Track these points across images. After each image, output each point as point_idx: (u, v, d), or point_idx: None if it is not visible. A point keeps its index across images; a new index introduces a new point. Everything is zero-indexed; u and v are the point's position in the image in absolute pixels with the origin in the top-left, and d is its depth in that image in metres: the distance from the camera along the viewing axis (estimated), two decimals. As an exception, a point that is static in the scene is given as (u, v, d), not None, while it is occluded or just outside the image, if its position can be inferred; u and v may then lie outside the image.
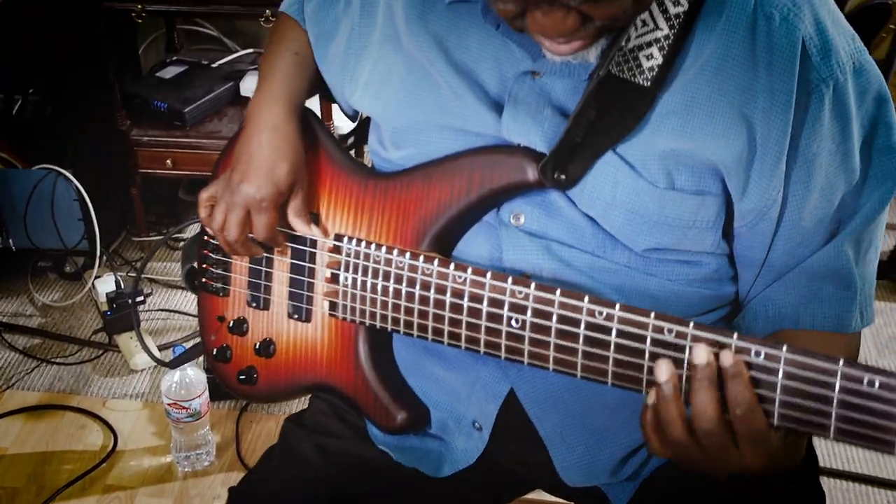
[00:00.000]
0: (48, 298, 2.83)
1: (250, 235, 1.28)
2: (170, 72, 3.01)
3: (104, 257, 2.77)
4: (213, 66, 3.07)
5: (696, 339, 0.98)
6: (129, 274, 2.91)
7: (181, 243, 3.07)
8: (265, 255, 1.34)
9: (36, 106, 2.77)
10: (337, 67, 1.32)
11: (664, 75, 1.08)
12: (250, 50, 3.19)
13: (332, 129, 2.75)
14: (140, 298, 2.61)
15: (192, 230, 3.09)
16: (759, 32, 1.07)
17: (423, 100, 1.21)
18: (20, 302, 2.84)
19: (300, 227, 1.29)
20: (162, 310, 2.79)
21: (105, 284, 2.61)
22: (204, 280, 1.40)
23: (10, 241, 2.75)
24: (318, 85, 1.39)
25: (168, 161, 2.85)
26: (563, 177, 1.12)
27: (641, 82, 1.08)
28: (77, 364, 2.61)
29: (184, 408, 2.18)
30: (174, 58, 3.13)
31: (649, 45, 1.08)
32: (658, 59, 1.08)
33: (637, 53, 1.08)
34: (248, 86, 2.94)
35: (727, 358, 0.94)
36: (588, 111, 1.10)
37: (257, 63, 3.07)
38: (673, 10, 1.07)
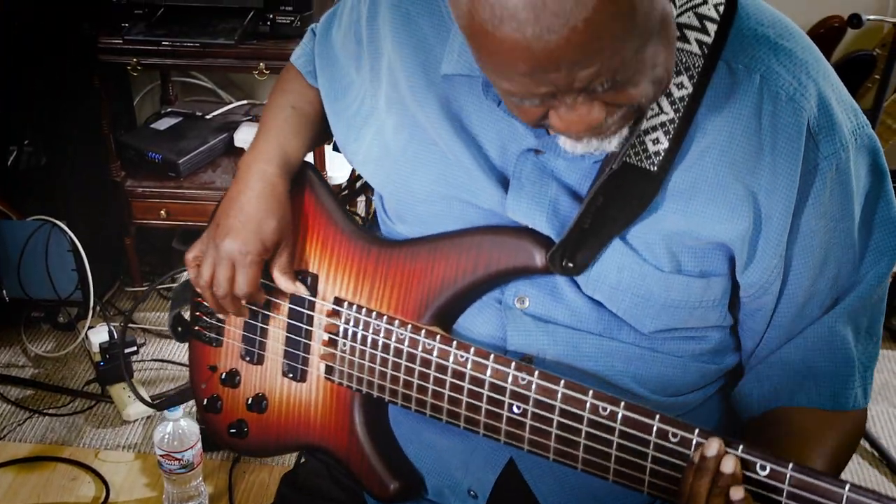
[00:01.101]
0: (41, 349, 2.83)
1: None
2: (164, 123, 3.02)
3: (97, 308, 2.76)
4: (208, 117, 3.09)
5: (697, 445, 0.98)
6: (123, 324, 2.90)
7: (160, 284, 3.06)
8: (262, 311, 1.33)
9: (31, 157, 2.78)
10: (344, 127, 1.31)
11: (670, 159, 1.07)
12: (245, 101, 3.22)
13: (326, 179, 2.76)
14: (133, 349, 2.60)
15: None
16: (765, 112, 1.06)
17: (427, 168, 1.19)
18: (13, 352, 2.82)
19: (284, 284, 1.28)
20: (155, 360, 2.78)
21: (98, 335, 2.60)
22: (197, 328, 1.39)
23: (4, 291, 2.75)
24: (320, 137, 1.39)
25: (162, 211, 2.86)
26: (570, 264, 1.11)
27: (648, 167, 1.08)
28: (69, 415, 2.59)
29: (176, 459, 2.17)
30: (169, 109, 3.15)
31: (654, 129, 1.07)
32: (664, 143, 1.07)
33: (643, 138, 1.07)
34: (242, 137, 2.96)
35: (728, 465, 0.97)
36: (596, 197, 1.08)
37: (251, 114, 3.10)
38: (677, 93, 1.07)
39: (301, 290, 1.28)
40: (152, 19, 2.61)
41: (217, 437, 1.42)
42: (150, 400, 2.52)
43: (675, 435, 1.00)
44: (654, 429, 1.01)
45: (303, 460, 1.48)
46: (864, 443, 2.48)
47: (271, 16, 2.59)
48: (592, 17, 0.84)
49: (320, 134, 1.40)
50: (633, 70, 0.92)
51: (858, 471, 2.40)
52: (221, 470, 2.39)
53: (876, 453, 2.44)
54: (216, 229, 1.29)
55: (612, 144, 1.03)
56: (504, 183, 1.16)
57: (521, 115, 0.99)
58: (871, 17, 2.25)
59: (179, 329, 1.43)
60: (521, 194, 1.14)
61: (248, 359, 1.36)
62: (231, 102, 3.23)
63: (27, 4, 2.62)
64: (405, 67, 1.20)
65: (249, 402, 1.35)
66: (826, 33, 2.87)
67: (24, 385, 2.69)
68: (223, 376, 1.37)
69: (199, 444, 2.21)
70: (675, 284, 1.12)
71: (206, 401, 1.40)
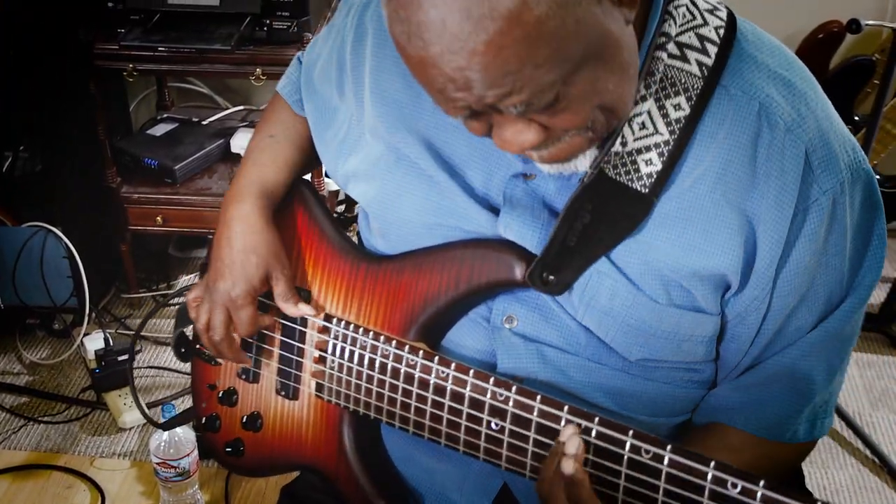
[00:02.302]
0: (36, 356, 2.81)
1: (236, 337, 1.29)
2: (160, 129, 3.02)
3: (93, 314, 2.75)
4: (204, 123, 3.08)
5: (672, 463, 0.97)
6: (119, 331, 2.89)
7: (171, 299, 3.05)
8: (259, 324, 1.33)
9: (26, 163, 2.77)
10: (332, 155, 1.30)
11: (663, 182, 1.05)
12: (241, 107, 3.21)
13: (322, 187, 2.76)
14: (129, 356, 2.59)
15: (179, 284, 3.08)
16: (763, 142, 1.04)
17: (413, 194, 1.18)
18: (8, 360, 2.81)
19: (290, 310, 1.28)
20: (151, 367, 2.77)
21: (94, 342, 2.60)
22: (198, 346, 1.39)
23: (-1, 298, 2.74)
24: (307, 162, 1.39)
25: (158, 218, 2.84)
26: (551, 278, 1.09)
27: (639, 188, 1.05)
28: (65, 422, 2.58)
29: (172, 467, 2.16)
30: (165, 115, 3.15)
31: (648, 149, 1.05)
32: (657, 164, 1.05)
33: (636, 157, 1.05)
34: (238, 143, 2.95)
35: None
36: (582, 214, 1.07)
37: (248, 120, 3.09)
38: (674, 114, 1.04)
39: (307, 311, 1.27)
40: (148, 25, 2.60)
41: (215, 455, 1.42)
42: (153, 418, 2.53)
43: (647, 451, 0.98)
44: (628, 444, 0.99)
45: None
46: (864, 449, 2.47)
47: (268, 21, 2.58)
48: (494, 41, 0.84)
49: (307, 159, 1.39)
50: (560, 95, 0.91)
51: (859, 477, 2.39)
52: (218, 478, 2.38)
53: (877, 460, 2.44)
54: (209, 273, 1.30)
55: (581, 165, 1.04)
56: (490, 207, 1.15)
57: (471, 131, 0.99)
58: (870, 22, 2.24)
59: (183, 350, 1.42)
60: (513, 213, 1.12)
61: (244, 377, 1.36)
62: (227, 108, 3.23)
63: (23, 10, 2.61)
64: (383, 105, 1.20)
65: (244, 420, 1.35)
66: (825, 38, 2.87)
67: (20, 392, 2.68)
68: (220, 395, 1.37)
69: (196, 452, 2.20)
70: (667, 316, 1.11)
71: (205, 419, 1.40)
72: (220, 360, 1.38)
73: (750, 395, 1.16)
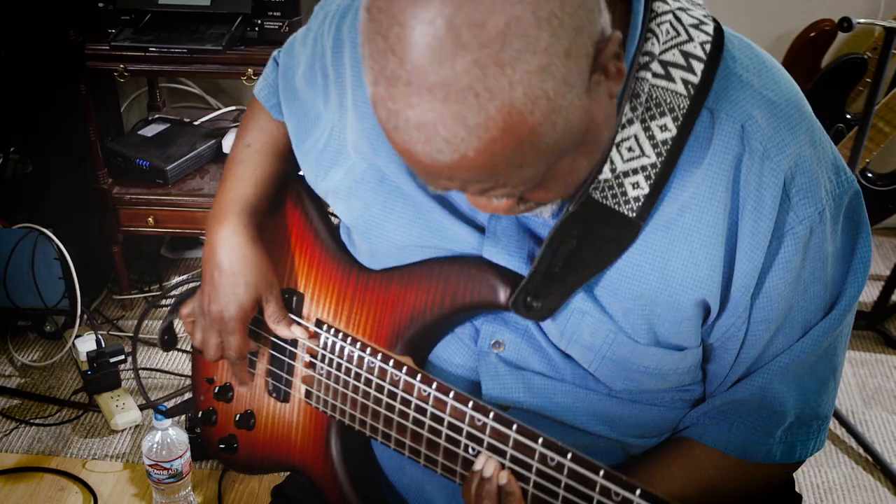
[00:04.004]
0: (27, 358, 2.80)
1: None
2: (152, 130, 3.01)
3: (85, 316, 2.74)
4: (196, 123, 3.08)
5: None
6: (111, 333, 2.88)
7: (164, 300, 3.04)
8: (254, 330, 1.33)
9: (17, 164, 2.76)
10: (312, 165, 1.27)
11: (650, 206, 1.03)
12: (233, 107, 3.21)
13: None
14: (120, 357, 2.58)
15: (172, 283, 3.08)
16: (743, 166, 1.02)
17: (398, 216, 1.16)
18: (-1, 362, 2.81)
19: (282, 332, 1.27)
20: (143, 368, 2.76)
21: (85, 344, 2.59)
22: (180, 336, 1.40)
23: (-10, 300, 2.73)
24: (285, 172, 1.36)
25: (150, 219, 2.84)
26: (536, 304, 1.08)
27: (626, 212, 1.03)
28: (57, 425, 2.57)
29: (165, 469, 2.15)
30: (156, 116, 3.14)
31: (636, 172, 1.02)
32: (644, 188, 1.02)
33: (623, 180, 1.03)
34: (230, 143, 2.93)
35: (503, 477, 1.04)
36: (568, 240, 1.05)
37: (239, 121, 3.08)
38: (660, 135, 1.02)
39: (299, 333, 1.27)
40: (139, 25, 2.59)
41: (210, 449, 1.43)
42: (145, 421, 2.53)
43: (616, 494, 0.96)
44: (598, 486, 0.97)
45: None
46: (857, 448, 2.47)
47: (259, 21, 2.57)
48: (486, 148, 0.84)
49: (288, 167, 1.37)
50: (539, 183, 0.92)
51: (852, 475, 2.39)
52: (211, 479, 2.37)
53: (870, 458, 2.44)
54: (200, 293, 1.30)
55: (544, 213, 1.05)
56: (477, 227, 1.13)
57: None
58: (862, 20, 2.23)
59: (166, 338, 1.43)
60: (497, 247, 1.11)
61: None
62: (219, 108, 3.22)
63: (14, 10, 2.60)
64: (364, 123, 1.17)
65: (238, 418, 1.35)
66: (817, 36, 2.87)
67: (11, 395, 2.66)
68: (217, 390, 1.38)
69: (188, 454, 2.19)
70: (649, 355, 1.10)
71: (202, 413, 1.40)
72: None
73: (719, 414, 1.16)
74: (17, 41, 2.62)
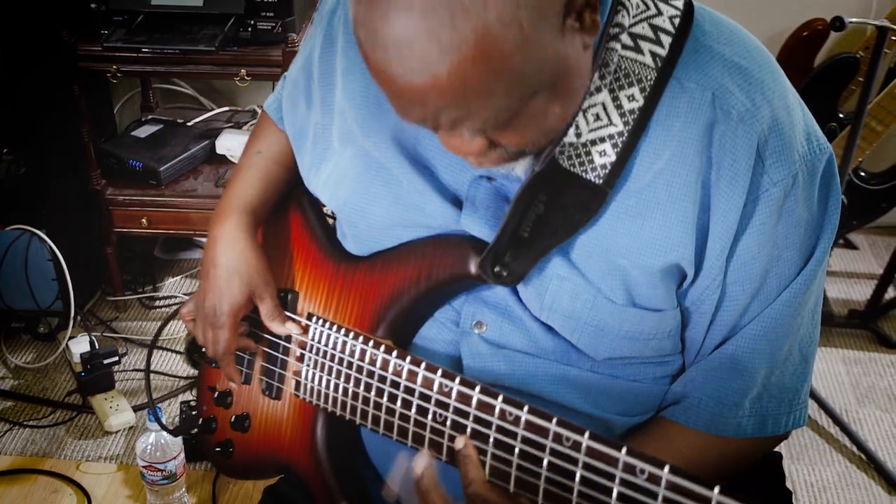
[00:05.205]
0: (21, 360, 2.80)
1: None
2: (145, 131, 3.00)
3: (78, 317, 2.74)
4: (189, 124, 3.07)
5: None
6: (105, 334, 2.88)
7: (157, 302, 3.04)
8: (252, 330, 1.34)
9: (10, 165, 2.76)
10: (306, 166, 1.31)
11: (617, 174, 1.05)
12: (226, 108, 3.20)
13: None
14: (114, 359, 2.58)
15: (166, 290, 3.07)
16: (717, 131, 1.04)
17: (381, 197, 1.19)
18: (-8, 364, 2.80)
19: (276, 329, 1.29)
20: (136, 370, 2.76)
21: (79, 345, 2.58)
22: (203, 349, 1.40)
23: (-17, 302, 2.73)
24: (289, 180, 1.39)
25: (143, 220, 2.83)
26: (504, 273, 1.09)
27: (593, 179, 1.05)
28: (50, 426, 2.56)
29: (159, 470, 2.15)
30: (149, 117, 3.14)
31: (602, 140, 1.05)
32: (611, 156, 1.04)
33: (590, 148, 1.05)
34: (223, 144, 2.93)
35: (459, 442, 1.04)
36: (536, 205, 1.07)
37: (233, 121, 3.08)
38: (627, 105, 1.04)
39: (294, 330, 1.28)
40: (132, 26, 2.59)
41: (208, 456, 1.43)
42: (138, 422, 2.53)
43: (642, 471, 0.92)
44: (621, 462, 0.94)
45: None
46: (851, 446, 2.47)
47: (252, 22, 2.57)
48: (457, 70, 0.86)
49: (293, 176, 1.39)
50: (512, 120, 0.94)
51: (846, 473, 2.40)
52: (205, 481, 2.37)
53: (863, 456, 2.44)
54: (198, 289, 1.32)
55: (517, 169, 1.08)
56: (457, 203, 1.15)
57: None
58: (854, 19, 2.24)
59: (195, 356, 1.45)
60: (474, 216, 1.13)
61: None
62: (212, 109, 3.22)
63: (6, 11, 2.59)
64: (353, 105, 1.20)
65: (233, 420, 1.35)
66: (810, 36, 2.88)
67: (4, 396, 2.66)
68: (216, 396, 1.38)
69: (182, 455, 2.19)
70: (629, 317, 1.11)
71: (202, 421, 1.41)
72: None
73: (690, 389, 1.17)
74: (9, 42, 2.62)
